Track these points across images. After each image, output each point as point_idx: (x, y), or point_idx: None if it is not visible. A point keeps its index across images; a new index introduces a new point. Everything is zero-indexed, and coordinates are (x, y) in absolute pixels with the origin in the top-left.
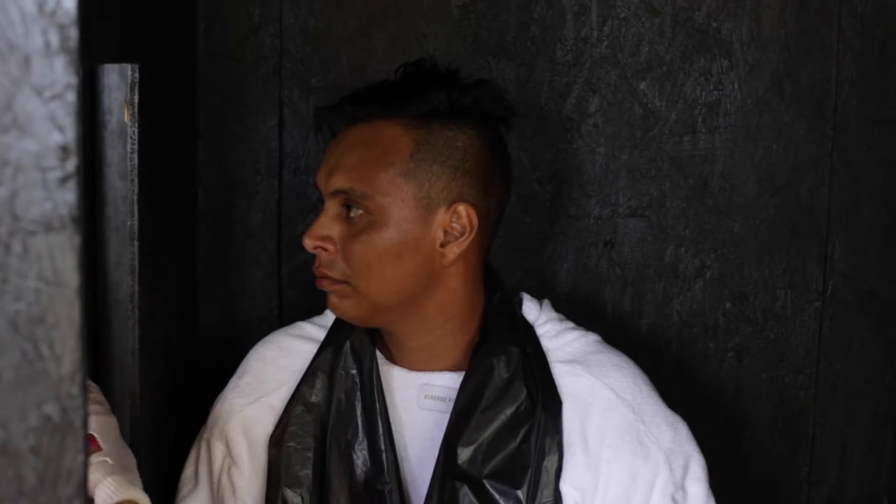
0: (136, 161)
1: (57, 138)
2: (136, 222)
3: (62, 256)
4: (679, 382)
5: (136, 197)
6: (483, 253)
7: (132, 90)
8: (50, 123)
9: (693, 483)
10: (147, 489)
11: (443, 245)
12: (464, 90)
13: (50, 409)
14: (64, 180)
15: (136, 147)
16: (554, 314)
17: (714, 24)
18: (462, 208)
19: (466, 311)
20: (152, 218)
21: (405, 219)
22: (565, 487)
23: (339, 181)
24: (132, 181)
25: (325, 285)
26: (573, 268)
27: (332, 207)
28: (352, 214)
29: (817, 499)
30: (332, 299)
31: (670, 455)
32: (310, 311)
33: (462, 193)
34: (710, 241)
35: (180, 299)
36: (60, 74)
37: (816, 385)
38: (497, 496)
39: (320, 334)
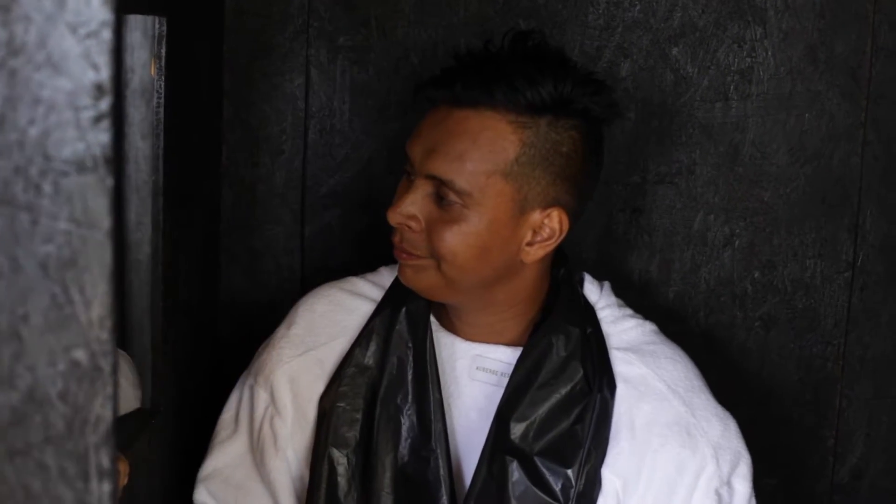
0: (161, 116)
1: (91, 77)
2: (160, 178)
3: (94, 198)
4: (706, 351)
5: (161, 153)
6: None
7: (159, 43)
8: (84, 61)
9: (739, 480)
10: (168, 446)
11: (529, 244)
12: (577, 88)
13: (79, 354)
14: (97, 120)
15: (161, 102)
16: (613, 299)
17: None
18: (556, 213)
19: (534, 295)
20: (176, 176)
21: (498, 218)
22: (607, 474)
23: (439, 168)
24: (157, 136)
25: (403, 258)
26: (601, 234)
27: (424, 187)
28: (444, 201)
29: (843, 471)
30: (408, 272)
31: (718, 449)
32: (332, 272)
33: (558, 198)
34: (739, 210)
35: (203, 259)
36: (96, 11)
37: (844, 356)
38: (547, 474)
39: (374, 293)
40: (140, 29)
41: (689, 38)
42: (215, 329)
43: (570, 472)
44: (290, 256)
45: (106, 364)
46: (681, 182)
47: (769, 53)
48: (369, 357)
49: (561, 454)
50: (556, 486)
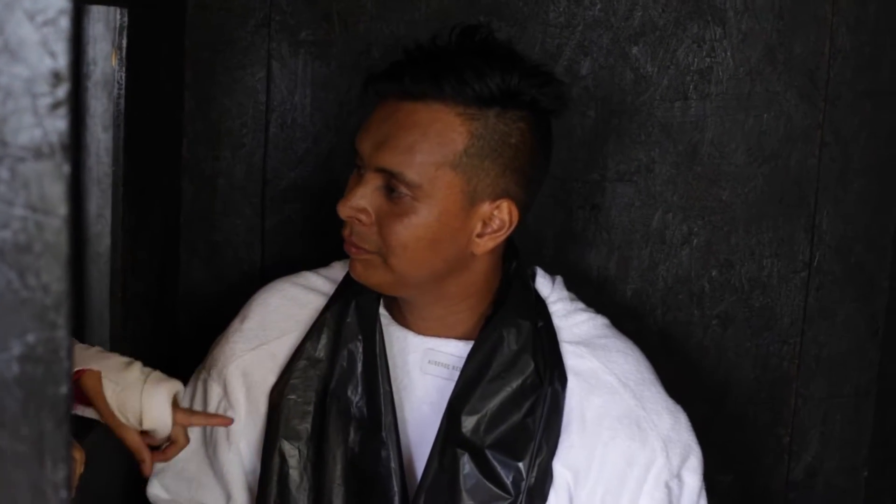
0: (122, 107)
1: (48, 64)
2: (120, 170)
3: (51, 184)
4: (663, 349)
5: (122, 144)
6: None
7: (120, 34)
8: (42, 49)
9: (689, 474)
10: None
11: (479, 235)
12: (525, 80)
13: (34, 338)
14: (55, 107)
15: (122, 93)
16: (565, 293)
17: None
18: (505, 205)
19: (485, 287)
20: (136, 168)
21: (448, 210)
22: (558, 467)
23: (388, 161)
24: (119, 127)
25: (352, 252)
26: (559, 231)
27: (373, 180)
28: (394, 194)
29: (798, 469)
30: (358, 267)
31: (668, 442)
32: (292, 265)
33: (507, 189)
34: (697, 209)
35: (162, 251)
36: None
37: (800, 355)
38: (498, 467)
39: (326, 287)
40: (102, 20)
41: (649, 37)
42: (174, 321)
43: (521, 464)
44: (249, 249)
45: (61, 348)
46: (640, 180)
47: (728, 54)
48: (320, 350)
49: (512, 447)
50: (508, 479)
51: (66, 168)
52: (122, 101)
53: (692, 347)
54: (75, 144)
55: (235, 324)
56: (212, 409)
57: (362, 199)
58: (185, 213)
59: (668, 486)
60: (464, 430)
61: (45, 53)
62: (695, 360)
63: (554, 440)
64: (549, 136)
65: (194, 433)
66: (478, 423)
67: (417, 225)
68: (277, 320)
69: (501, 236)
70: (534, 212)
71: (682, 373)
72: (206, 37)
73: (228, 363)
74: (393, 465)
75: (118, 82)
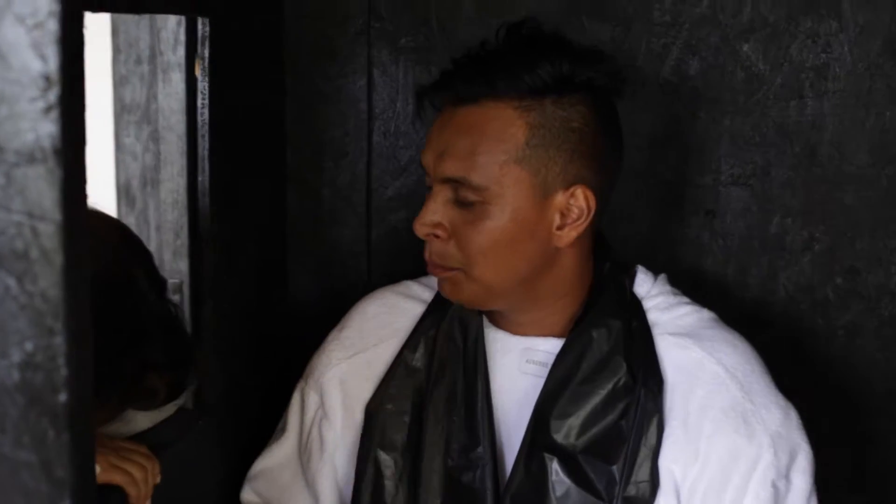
0: (206, 117)
1: (39, 67)
2: (206, 179)
3: (45, 189)
4: (784, 361)
5: (207, 154)
6: (595, 229)
7: (202, 44)
8: (32, 52)
9: (798, 474)
10: (219, 446)
11: (559, 228)
12: (576, 63)
13: (32, 346)
14: (46, 111)
15: (206, 103)
16: (667, 288)
17: None
18: (580, 191)
19: (577, 285)
20: (227, 176)
21: (521, 206)
22: (664, 464)
23: (451, 169)
24: (203, 137)
25: (437, 273)
26: (673, 238)
27: (442, 193)
28: (465, 203)
29: None
30: (446, 287)
31: (777, 439)
32: (397, 275)
33: (579, 175)
34: (818, 213)
35: (264, 261)
36: (44, 2)
37: None
38: (590, 472)
39: (426, 294)
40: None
41: (759, 33)
42: (282, 331)
43: (614, 468)
44: (356, 259)
45: (59, 355)
46: (755, 184)
47: (845, 48)
48: (418, 359)
49: (605, 451)
50: (601, 485)
51: (59, 172)
52: (206, 110)
53: (817, 361)
54: (69, 148)
55: (334, 333)
56: (309, 418)
57: (435, 215)
58: (291, 223)
59: (774, 486)
60: (553, 434)
61: (36, 56)
62: (820, 374)
63: (653, 441)
64: (614, 118)
65: (290, 441)
66: (569, 428)
67: (493, 229)
68: (375, 328)
69: (582, 224)
70: (645, 217)
71: (806, 387)
72: (305, 45)
73: (325, 372)
74: (489, 483)
75: (202, 92)
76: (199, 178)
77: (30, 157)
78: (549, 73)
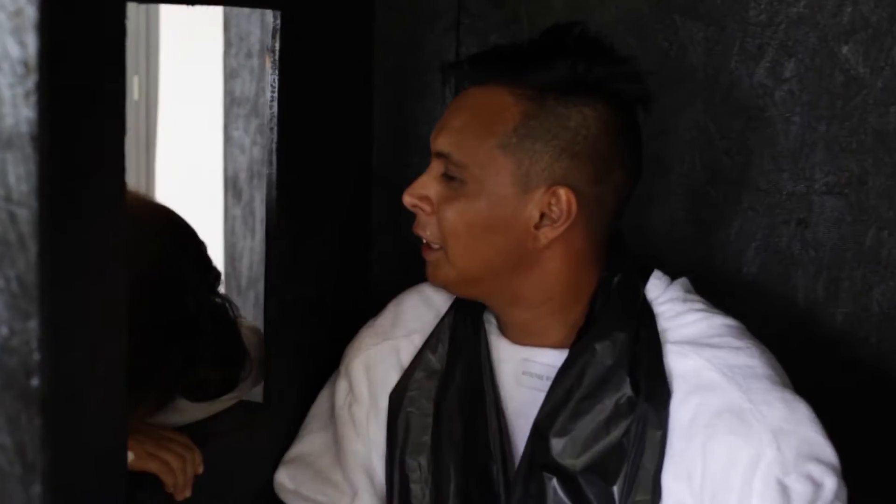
0: (275, 110)
1: (18, 54)
2: (274, 172)
3: (22, 175)
4: (879, 382)
5: (275, 146)
6: (594, 237)
7: (273, 38)
8: (11, 38)
9: (816, 472)
10: (283, 438)
11: (537, 227)
12: (590, 64)
13: (7, 329)
14: (25, 96)
15: (276, 95)
16: (679, 293)
17: None
18: (562, 192)
19: (569, 293)
20: (298, 171)
21: (498, 194)
22: (668, 481)
23: (441, 143)
24: (272, 129)
25: (424, 253)
26: (762, 247)
27: (435, 167)
28: (451, 179)
29: None
30: (430, 269)
31: (780, 434)
32: None
33: (566, 176)
34: None
35: (342, 257)
36: None
37: None
38: (589, 493)
39: None
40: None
41: (860, 35)
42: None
43: (614, 489)
44: None
45: (33, 339)
46: (851, 193)
47: None
48: (437, 360)
49: (605, 471)
50: None
51: (36, 158)
52: (276, 103)
53: None
54: (52, 134)
55: (370, 322)
56: (339, 404)
57: (423, 187)
58: (376, 220)
59: (781, 484)
60: (553, 452)
61: (15, 43)
62: None
63: (655, 458)
64: (626, 127)
65: (327, 428)
66: (567, 446)
67: (467, 209)
68: (407, 320)
69: (561, 227)
70: (734, 225)
71: None
72: (394, 40)
73: (354, 357)
74: (500, 486)
75: (272, 85)
76: (267, 172)
77: (7, 143)
78: (560, 68)
